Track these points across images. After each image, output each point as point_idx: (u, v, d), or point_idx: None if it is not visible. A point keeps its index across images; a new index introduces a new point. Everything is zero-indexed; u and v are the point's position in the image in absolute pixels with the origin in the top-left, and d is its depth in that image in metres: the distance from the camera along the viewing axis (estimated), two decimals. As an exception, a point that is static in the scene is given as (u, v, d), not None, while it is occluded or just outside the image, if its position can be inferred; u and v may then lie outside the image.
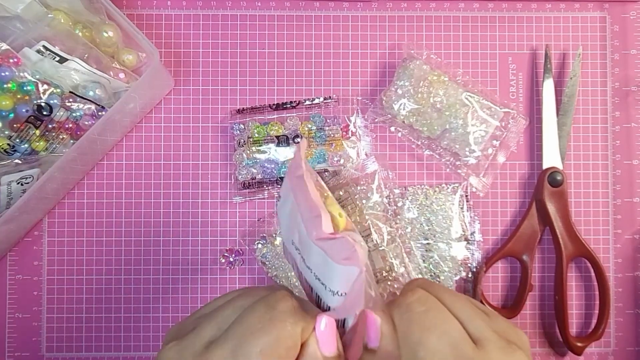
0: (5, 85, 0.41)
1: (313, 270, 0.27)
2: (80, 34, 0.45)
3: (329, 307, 0.27)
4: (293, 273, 0.45)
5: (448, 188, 0.47)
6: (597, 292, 0.47)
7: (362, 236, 0.45)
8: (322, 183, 0.31)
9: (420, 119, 0.46)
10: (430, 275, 0.46)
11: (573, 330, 0.48)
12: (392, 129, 0.48)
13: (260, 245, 0.46)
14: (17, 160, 0.42)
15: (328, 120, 0.48)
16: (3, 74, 0.41)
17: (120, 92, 0.46)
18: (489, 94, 0.47)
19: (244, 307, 0.26)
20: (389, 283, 0.45)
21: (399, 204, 0.47)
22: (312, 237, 0.26)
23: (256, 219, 0.48)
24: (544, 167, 0.47)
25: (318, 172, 0.46)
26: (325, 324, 0.25)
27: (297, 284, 0.45)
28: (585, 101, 0.49)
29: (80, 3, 0.44)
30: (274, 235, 0.46)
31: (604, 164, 0.49)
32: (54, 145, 0.44)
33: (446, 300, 0.27)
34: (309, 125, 0.47)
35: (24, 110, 0.42)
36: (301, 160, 0.29)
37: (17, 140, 0.42)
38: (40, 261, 0.48)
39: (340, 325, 0.26)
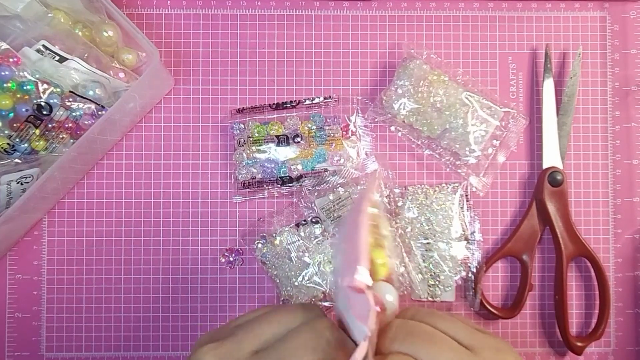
0: (5, 85, 0.41)
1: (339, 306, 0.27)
2: (80, 33, 0.45)
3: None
4: (293, 273, 0.45)
5: (448, 188, 0.47)
6: (597, 292, 0.47)
7: None
8: (382, 223, 0.30)
9: (420, 118, 0.46)
10: (431, 275, 0.46)
11: (573, 330, 0.48)
12: (392, 128, 0.48)
13: (260, 245, 0.46)
14: (17, 160, 0.42)
15: (328, 120, 0.48)
16: (3, 73, 0.41)
17: (120, 92, 0.46)
18: (489, 94, 0.47)
19: (281, 322, 0.26)
20: (389, 283, 0.45)
21: (399, 204, 0.47)
22: (343, 281, 0.26)
23: (256, 219, 0.48)
24: (544, 166, 0.47)
25: (318, 172, 0.46)
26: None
27: (296, 283, 0.45)
28: (585, 101, 0.49)
29: (80, 2, 0.44)
30: (274, 235, 0.46)
31: (604, 163, 0.49)
32: (54, 145, 0.44)
33: (423, 355, 0.25)
34: (309, 125, 0.47)
35: (23, 109, 0.42)
36: (365, 197, 0.28)
37: (17, 140, 0.42)
38: (40, 261, 0.48)
39: None
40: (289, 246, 0.46)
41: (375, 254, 0.27)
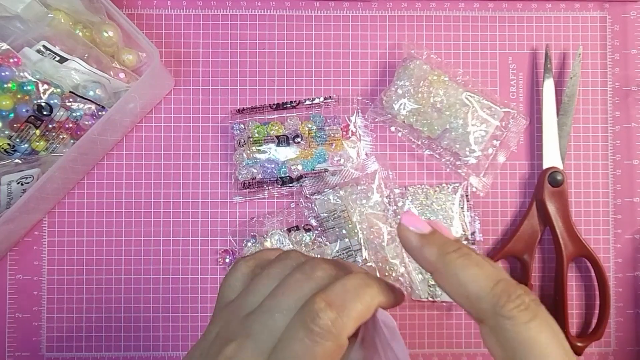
0: (5, 85, 0.41)
1: None
2: (80, 33, 0.45)
3: None
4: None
5: (448, 188, 0.47)
6: (597, 292, 0.47)
7: (353, 250, 0.45)
8: None
9: (421, 118, 0.46)
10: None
11: (573, 330, 0.48)
12: (392, 128, 0.48)
13: (249, 244, 0.46)
14: (17, 160, 0.42)
15: (328, 120, 0.48)
16: (3, 73, 0.41)
17: (120, 92, 0.46)
18: (489, 94, 0.47)
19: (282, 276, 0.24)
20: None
21: (399, 204, 0.47)
22: None
23: (247, 219, 0.48)
24: (544, 167, 0.47)
25: (318, 172, 0.46)
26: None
27: None
28: (585, 101, 0.49)
29: (81, 3, 0.44)
30: (264, 235, 0.46)
31: (604, 164, 0.49)
32: (54, 145, 0.44)
33: None
34: (309, 125, 0.47)
35: (24, 110, 0.42)
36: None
37: (17, 140, 0.42)
38: (40, 261, 0.48)
39: None
40: (277, 249, 0.46)
41: None
